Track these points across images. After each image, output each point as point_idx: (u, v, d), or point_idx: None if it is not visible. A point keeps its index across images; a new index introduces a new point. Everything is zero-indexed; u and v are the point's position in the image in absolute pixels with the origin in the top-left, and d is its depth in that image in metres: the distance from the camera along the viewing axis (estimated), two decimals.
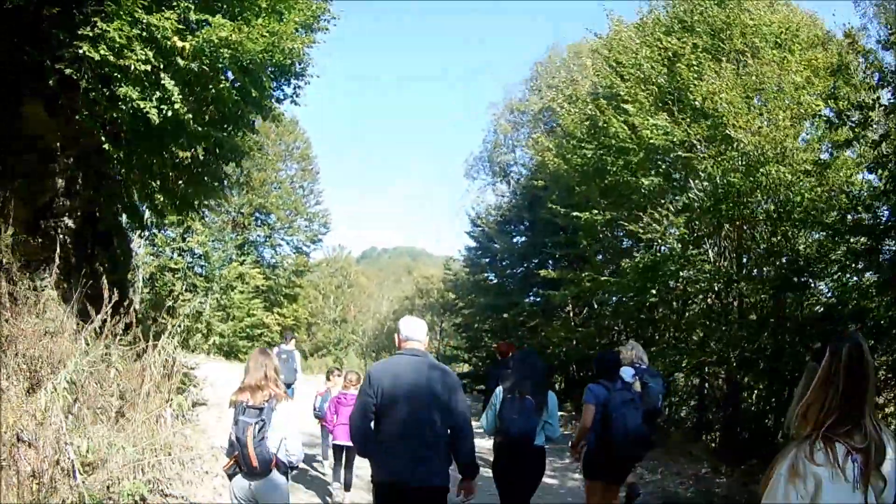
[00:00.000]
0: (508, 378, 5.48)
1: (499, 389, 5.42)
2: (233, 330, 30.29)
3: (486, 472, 5.44)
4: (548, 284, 18.23)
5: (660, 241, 11.86)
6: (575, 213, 13.92)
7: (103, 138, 8.31)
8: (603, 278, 13.37)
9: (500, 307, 24.09)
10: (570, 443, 6.50)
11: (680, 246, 11.29)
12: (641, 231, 11.62)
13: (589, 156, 12.99)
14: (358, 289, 55.54)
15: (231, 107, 9.43)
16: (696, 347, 12.08)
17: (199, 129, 8.88)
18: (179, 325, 9.51)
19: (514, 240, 23.85)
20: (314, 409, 9.05)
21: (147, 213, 12.33)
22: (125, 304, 7.71)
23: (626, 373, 6.46)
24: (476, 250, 27.52)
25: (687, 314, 13.55)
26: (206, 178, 11.02)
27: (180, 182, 10.78)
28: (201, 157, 10.54)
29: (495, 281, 26.09)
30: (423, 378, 4.04)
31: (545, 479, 6.21)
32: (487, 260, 26.25)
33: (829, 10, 38.27)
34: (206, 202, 12.79)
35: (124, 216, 11.56)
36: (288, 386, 9.21)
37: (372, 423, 4.07)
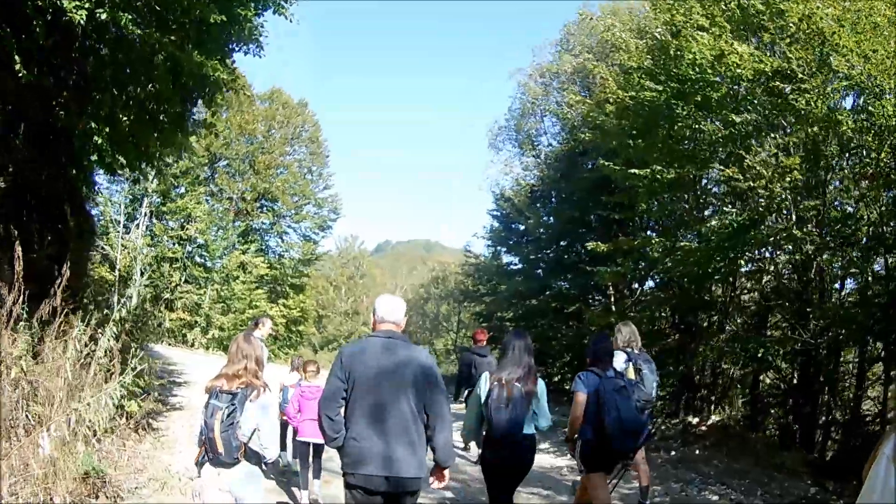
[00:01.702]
0: (496, 364, 5.34)
1: (484, 376, 5.14)
2: (233, 323, 28.11)
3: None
4: (593, 261, 15.68)
5: (761, 191, 9.15)
6: (633, 171, 11.25)
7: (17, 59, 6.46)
8: (681, 244, 10.66)
9: (528, 292, 21.61)
10: (563, 436, 6.34)
11: (790, 196, 8.64)
12: (741, 179, 8.99)
13: (660, 89, 10.31)
14: (371, 280, 53.49)
15: (195, 13, 6.99)
16: (782, 333, 10.20)
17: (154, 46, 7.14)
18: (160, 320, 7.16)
19: (545, 218, 21.04)
20: (280, 404, 7.75)
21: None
22: (58, 284, 6.22)
23: (619, 358, 6.41)
24: (500, 231, 24.89)
25: (761, 289, 11.26)
26: (163, 119, 8.55)
27: (128, 121, 8.32)
28: (156, 91, 8.07)
29: (520, 265, 23.65)
30: (398, 361, 3.85)
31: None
32: (513, 241, 23.56)
33: None
34: (164, 150, 10.42)
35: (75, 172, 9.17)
36: None
37: (342, 410, 3.86)
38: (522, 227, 22.81)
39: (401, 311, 4.09)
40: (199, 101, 10.02)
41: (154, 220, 27.13)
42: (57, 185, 8.96)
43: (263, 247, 33.78)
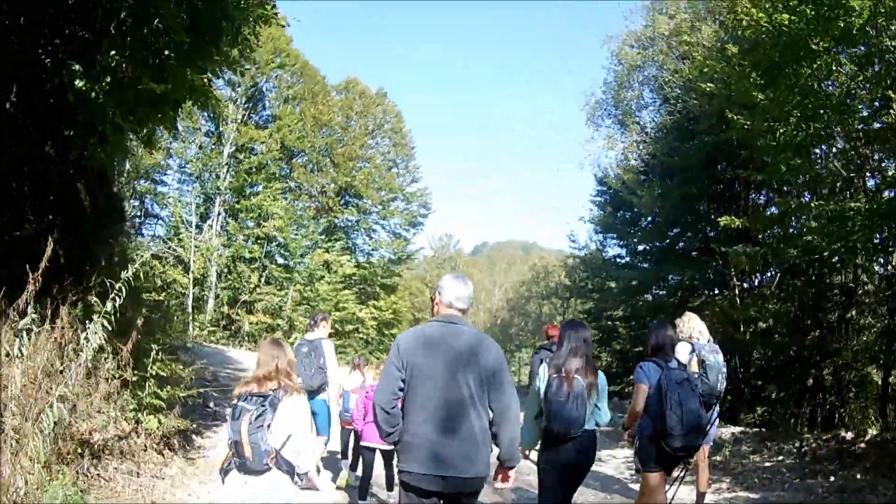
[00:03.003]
0: (554, 356, 4.81)
1: (543, 368, 4.81)
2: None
3: None
4: (727, 240, 12.68)
5: None
6: (770, 123, 8.55)
7: None
8: (849, 203, 7.85)
9: (639, 286, 18.70)
10: (622, 427, 5.84)
11: None
12: None
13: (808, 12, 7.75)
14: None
15: None
16: None
17: None
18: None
19: (657, 195, 17.86)
20: (340, 412, 7.38)
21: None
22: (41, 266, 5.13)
23: (683, 349, 6.06)
24: (605, 218, 22.11)
25: None
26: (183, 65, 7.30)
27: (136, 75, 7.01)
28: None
29: (627, 258, 20.95)
30: (461, 349, 3.53)
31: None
32: (620, 227, 20.65)
33: None
34: (180, 106, 8.76)
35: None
36: (314, 393, 6.79)
37: (399, 403, 3.56)
38: (629, 215, 20.16)
39: (469, 296, 3.77)
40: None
41: (228, 219, 26.15)
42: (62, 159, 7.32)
43: (350, 245, 32.18)
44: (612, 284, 21.60)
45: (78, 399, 5.23)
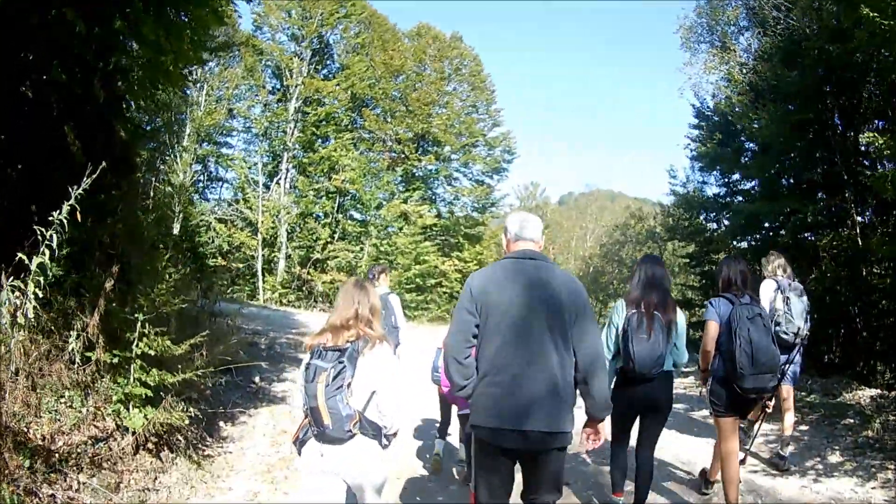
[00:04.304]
0: (631, 290, 4.60)
1: (619, 303, 4.69)
2: (397, 281, 25.09)
3: None
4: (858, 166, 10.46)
5: None
6: None
7: None
8: None
9: (749, 225, 16.10)
10: (697, 367, 5.64)
11: None
12: None
13: None
14: (557, 228, 49.12)
15: None
16: None
17: None
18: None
19: (767, 118, 15.22)
20: (433, 371, 5.99)
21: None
22: None
23: (768, 286, 6.09)
24: (707, 152, 19.57)
25: None
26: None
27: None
28: None
29: (728, 197, 18.57)
30: (540, 287, 3.21)
31: None
32: (725, 157, 18.14)
33: None
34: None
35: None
36: None
37: (473, 351, 3.21)
38: (733, 144, 17.29)
39: (538, 227, 3.47)
40: None
41: (297, 177, 25.27)
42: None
43: (429, 195, 30.72)
44: (715, 225, 19.40)
45: (16, 390, 4.01)
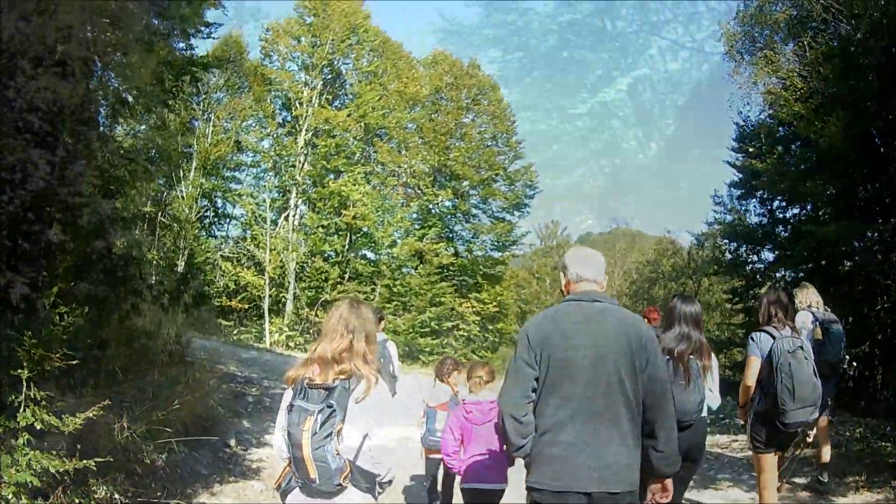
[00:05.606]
0: (664, 337, 4.35)
1: None
2: (411, 324, 23.60)
3: None
4: None
5: None
6: None
7: None
8: None
9: (811, 254, 14.39)
10: (737, 403, 5.44)
11: None
12: None
13: None
14: None
15: None
16: None
17: None
18: None
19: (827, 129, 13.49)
20: (423, 435, 5.78)
21: None
22: None
23: (804, 318, 6.01)
24: (746, 182, 18.59)
25: None
26: None
27: None
28: None
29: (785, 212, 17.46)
30: (607, 333, 2.90)
31: None
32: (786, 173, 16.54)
33: None
34: None
35: None
36: None
37: (531, 408, 2.90)
38: (789, 160, 16.13)
39: (601, 265, 3.18)
40: None
41: (306, 213, 24.18)
42: None
43: (447, 232, 29.39)
44: (762, 256, 18.41)
45: None
